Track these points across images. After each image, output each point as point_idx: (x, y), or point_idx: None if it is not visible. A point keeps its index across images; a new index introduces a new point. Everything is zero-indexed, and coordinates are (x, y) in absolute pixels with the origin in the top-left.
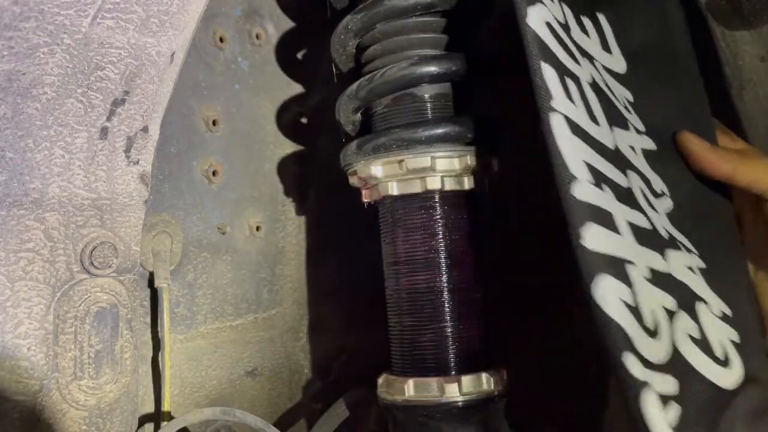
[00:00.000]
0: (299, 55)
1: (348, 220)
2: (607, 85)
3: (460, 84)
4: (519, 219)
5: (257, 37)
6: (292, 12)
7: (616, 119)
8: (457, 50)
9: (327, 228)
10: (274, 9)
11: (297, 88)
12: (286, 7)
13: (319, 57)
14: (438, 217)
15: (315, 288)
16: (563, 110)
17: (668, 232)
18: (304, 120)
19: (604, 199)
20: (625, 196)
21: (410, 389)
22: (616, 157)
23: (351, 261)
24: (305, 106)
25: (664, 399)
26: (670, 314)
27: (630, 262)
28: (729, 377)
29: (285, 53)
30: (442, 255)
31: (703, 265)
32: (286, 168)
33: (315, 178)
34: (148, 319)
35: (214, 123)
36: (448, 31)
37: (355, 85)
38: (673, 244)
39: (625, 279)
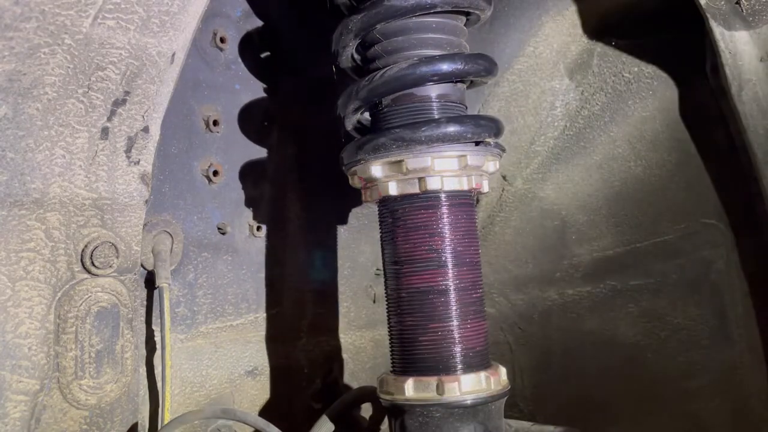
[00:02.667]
0: (298, 55)
1: (348, 221)
2: None
3: (459, 84)
4: None
5: (257, 37)
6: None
7: None
8: (456, 51)
9: (327, 228)
10: (275, 9)
11: (297, 88)
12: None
13: (318, 57)
14: (437, 216)
15: (315, 288)
16: None
17: None
18: (303, 119)
19: None
20: None
21: (410, 389)
22: None
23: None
24: (305, 105)
25: None
26: None
27: None
28: None
29: (285, 53)
30: (442, 255)
31: None
32: (286, 167)
33: (315, 177)
34: (149, 319)
35: (214, 123)
36: (447, 32)
37: (355, 86)
38: None
39: None
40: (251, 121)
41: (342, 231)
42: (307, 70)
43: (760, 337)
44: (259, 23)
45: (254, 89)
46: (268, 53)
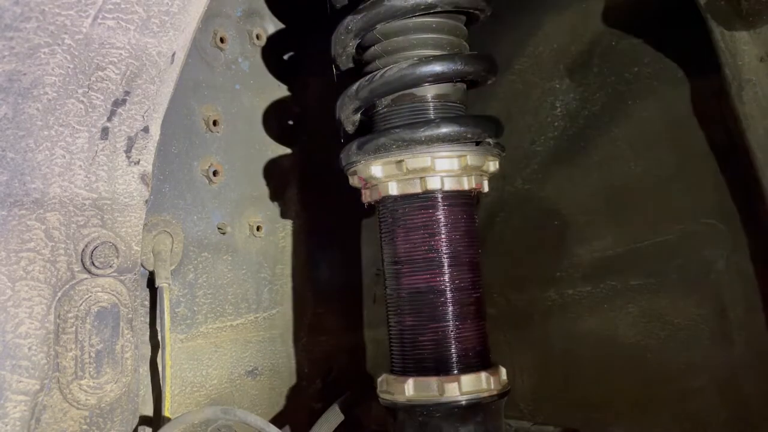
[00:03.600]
0: (298, 56)
1: (348, 221)
2: None
3: (459, 84)
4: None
5: (257, 37)
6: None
7: None
8: (456, 51)
9: (327, 228)
10: (275, 9)
11: (296, 89)
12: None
13: (319, 57)
14: (438, 217)
15: (315, 288)
16: None
17: None
18: (303, 120)
19: None
20: None
21: (410, 389)
22: None
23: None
24: (305, 106)
25: None
26: None
27: None
28: None
29: (285, 53)
30: (442, 255)
31: None
32: (286, 168)
33: (315, 178)
34: (149, 319)
35: (214, 123)
36: (447, 32)
37: (355, 86)
38: None
39: None
40: (251, 121)
41: (342, 231)
42: (308, 70)
43: (760, 337)
44: (260, 23)
45: (254, 89)
46: (268, 53)
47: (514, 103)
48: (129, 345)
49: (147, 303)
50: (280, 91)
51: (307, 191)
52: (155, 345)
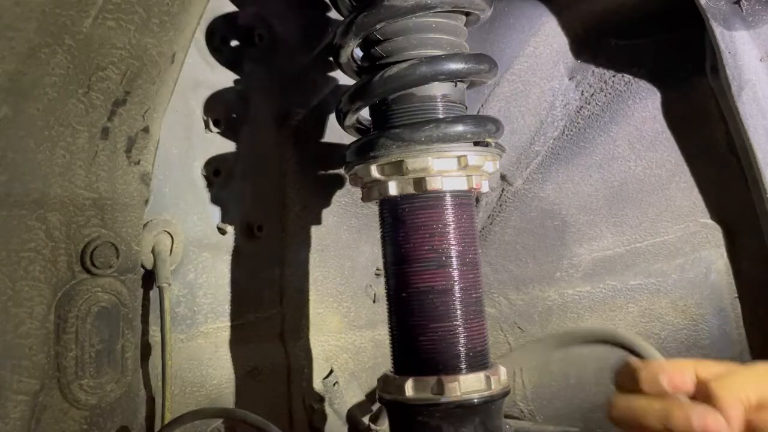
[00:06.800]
0: (300, 55)
1: (348, 220)
2: None
3: (459, 84)
4: None
5: (258, 37)
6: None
7: None
8: (456, 51)
9: (327, 228)
10: (276, 9)
11: (298, 89)
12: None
13: (320, 57)
14: (438, 217)
15: (315, 288)
16: None
17: None
18: (304, 119)
19: None
20: None
21: (410, 388)
22: None
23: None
24: (305, 106)
25: None
26: None
27: None
28: None
29: (285, 53)
30: (442, 255)
31: None
32: (287, 168)
33: (315, 177)
34: (149, 319)
35: (214, 123)
36: (447, 32)
37: (355, 86)
38: None
39: None
40: (252, 120)
41: (342, 231)
42: (309, 70)
43: (760, 337)
44: (260, 22)
45: (255, 89)
46: (269, 53)
47: (514, 103)
48: (129, 345)
49: (147, 303)
50: (283, 91)
51: (308, 191)
52: (155, 345)
